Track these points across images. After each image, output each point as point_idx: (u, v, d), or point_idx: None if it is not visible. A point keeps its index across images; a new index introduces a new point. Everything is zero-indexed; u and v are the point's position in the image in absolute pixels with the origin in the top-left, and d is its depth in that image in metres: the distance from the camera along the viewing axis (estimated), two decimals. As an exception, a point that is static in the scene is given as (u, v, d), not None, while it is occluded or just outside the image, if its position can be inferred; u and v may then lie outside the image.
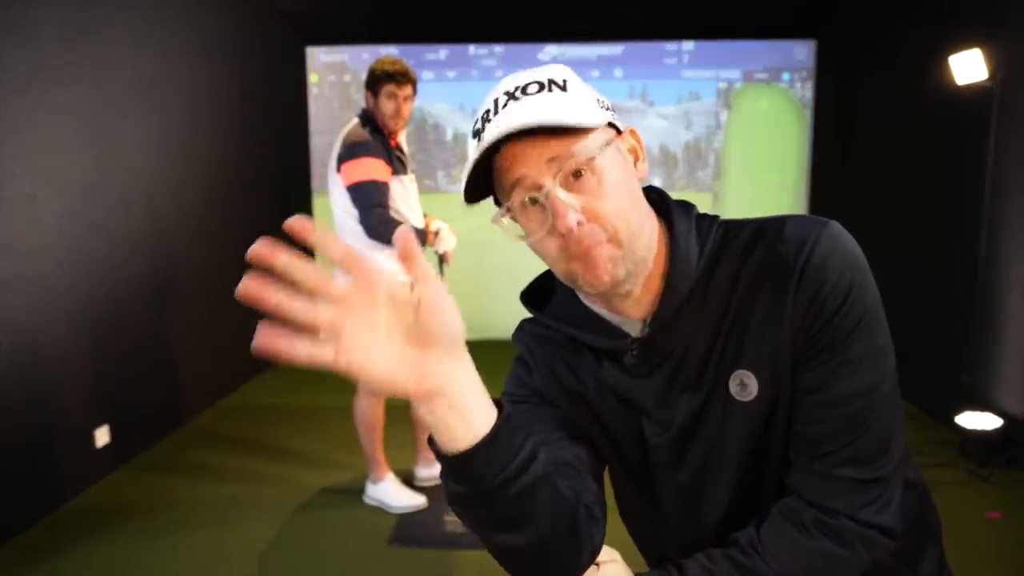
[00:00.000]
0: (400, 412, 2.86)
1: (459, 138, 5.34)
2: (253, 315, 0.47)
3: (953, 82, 3.14)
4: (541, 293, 0.85)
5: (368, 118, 2.57)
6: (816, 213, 0.82)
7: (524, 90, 0.70)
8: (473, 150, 0.71)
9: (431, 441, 0.61)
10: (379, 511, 2.68)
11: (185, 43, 3.67)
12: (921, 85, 3.62)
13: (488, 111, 0.71)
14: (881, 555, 0.75)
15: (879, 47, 4.28)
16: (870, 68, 4.37)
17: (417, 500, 2.69)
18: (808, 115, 5.16)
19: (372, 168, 2.47)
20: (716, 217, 0.79)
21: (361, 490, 2.77)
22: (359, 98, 4.37)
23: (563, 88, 0.70)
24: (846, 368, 0.69)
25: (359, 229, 2.46)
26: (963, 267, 3.25)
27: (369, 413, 2.69)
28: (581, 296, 0.81)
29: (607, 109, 0.74)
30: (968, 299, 3.20)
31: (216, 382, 4.05)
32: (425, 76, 5.16)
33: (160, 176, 3.41)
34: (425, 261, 0.53)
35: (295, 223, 0.47)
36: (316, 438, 3.44)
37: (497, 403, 0.61)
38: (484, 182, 0.73)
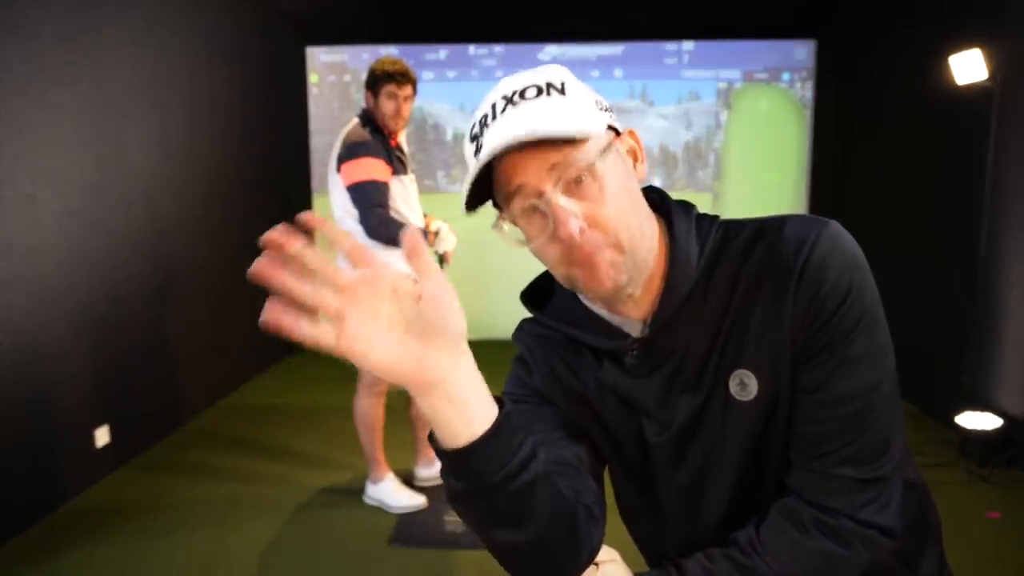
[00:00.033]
0: (400, 412, 2.86)
1: (459, 138, 5.34)
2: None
3: (953, 82, 3.14)
4: (541, 293, 0.85)
5: (368, 118, 2.57)
6: (816, 213, 0.82)
7: (522, 94, 0.69)
8: (471, 156, 0.71)
9: (431, 438, 0.61)
10: (379, 511, 2.68)
11: (185, 43, 3.68)
12: (921, 85, 3.62)
13: (486, 116, 0.70)
14: (881, 555, 0.75)
15: (879, 47, 4.28)
16: (870, 68, 4.38)
17: (417, 500, 2.69)
18: (808, 115, 5.16)
19: (372, 168, 2.47)
20: (716, 217, 0.79)
21: (361, 490, 2.77)
22: (359, 98, 4.37)
23: (561, 92, 0.70)
24: (845, 368, 0.69)
25: (359, 229, 2.46)
26: (963, 267, 3.25)
27: (369, 413, 2.69)
28: (581, 296, 0.81)
29: (606, 110, 0.73)
30: (968, 299, 3.20)
31: (216, 382, 4.05)
32: (425, 76, 5.17)
33: (160, 176, 3.41)
34: (430, 257, 0.54)
35: (306, 216, 0.50)
36: (316, 438, 3.44)
37: (498, 400, 0.61)
38: (484, 187, 0.72)
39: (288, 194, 5.05)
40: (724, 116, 5.22)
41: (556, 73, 0.71)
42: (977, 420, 2.97)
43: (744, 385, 0.73)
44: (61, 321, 2.70)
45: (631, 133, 0.76)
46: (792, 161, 5.23)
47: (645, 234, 0.72)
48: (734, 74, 5.17)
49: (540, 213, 0.68)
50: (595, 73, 5.21)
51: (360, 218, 2.46)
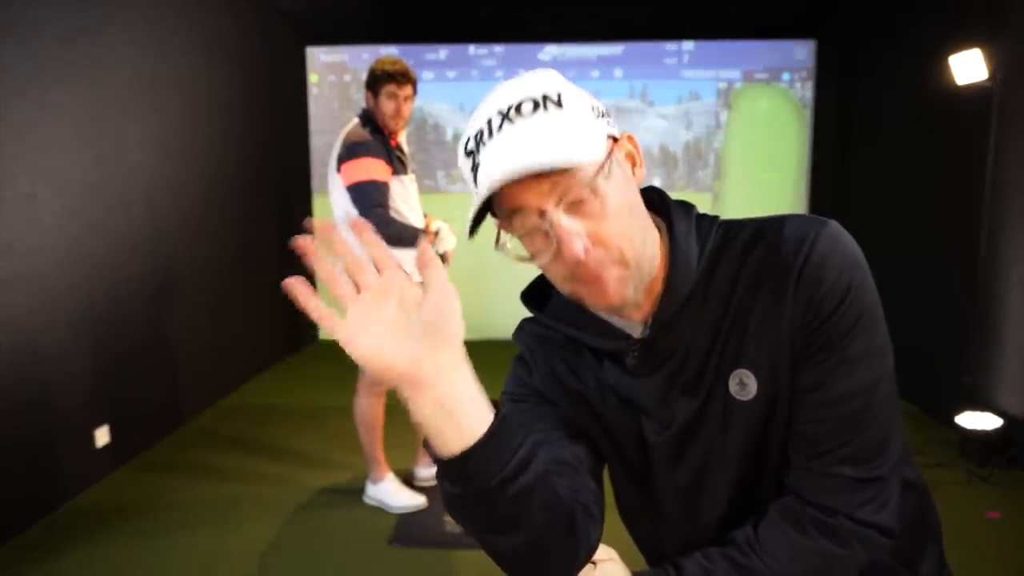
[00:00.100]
0: (400, 412, 2.85)
1: (459, 138, 5.33)
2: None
3: (953, 82, 3.14)
4: (541, 293, 0.85)
5: (368, 118, 2.57)
6: (816, 213, 0.82)
7: (518, 109, 0.67)
8: (467, 172, 0.70)
9: (427, 442, 0.61)
10: (379, 511, 2.68)
11: (185, 43, 3.68)
12: (921, 85, 3.62)
13: (481, 132, 0.69)
14: (881, 555, 0.75)
15: (879, 47, 4.28)
16: (870, 68, 4.38)
17: (417, 500, 2.69)
18: (808, 115, 5.17)
19: (372, 168, 2.47)
20: (716, 217, 0.79)
21: (361, 490, 2.77)
22: (359, 98, 4.37)
23: (559, 104, 0.68)
24: (844, 367, 0.69)
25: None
26: (963, 267, 3.25)
27: (369, 413, 2.69)
28: None
29: (603, 116, 0.72)
30: (968, 299, 3.21)
31: (216, 382, 4.05)
32: (425, 76, 5.17)
33: (160, 176, 3.41)
34: (440, 268, 0.58)
35: (316, 223, 0.55)
36: (316, 438, 3.44)
37: (496, 405, 0.61)
38: (483, 204, 0.71)
39: (288, 194, 5.06)
40: (724, 116, 5.22)
41: (551, 83, 0.69)
42: (977, 420, 2.97)
43: (744, 385, 0.73)
44: (61, 321, 2.70)
45: (630, 138, 0.75)
46: (792, 161, 5.23)
47: (647, 243, 0.72)
48: (734, 74, 5.17)
49: (543, 232, 0.68)
50: (595, 73, 5.21)
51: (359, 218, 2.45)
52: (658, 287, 0.75)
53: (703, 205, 0.95)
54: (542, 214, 0.67)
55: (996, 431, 2.91)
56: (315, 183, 5.37)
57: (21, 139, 2.50)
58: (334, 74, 5.31)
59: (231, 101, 4.19)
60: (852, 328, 0.69)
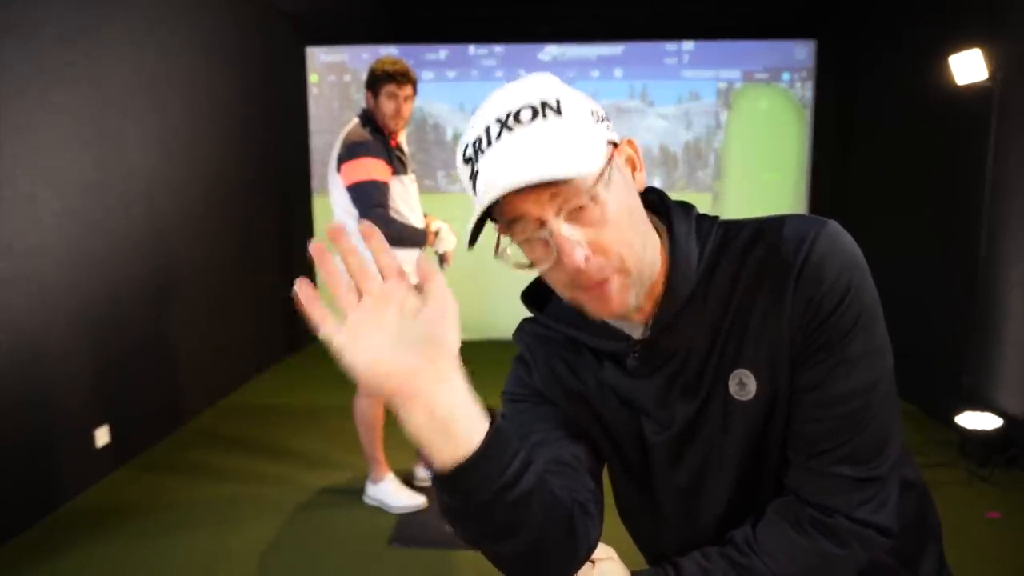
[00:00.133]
0: (400, 412, 2.85)
1: (459, 138, 5.33)
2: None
3: (953, 82, 3.14)
4: (541, 293, 0.85)
5: (368, 118, 2.57)
6: (816, 213, 0.82)
7: (517, 117, 0.66)
8: (466, 179, 0.70)
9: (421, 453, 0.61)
10: (379, 511, 2.68)
11: (185, 43, 3.68)
12: (921, 85, 3.62)
13: (480, 140, 0.68)
14: (880, 555, 0.75)
15: (879, 47, 4.28)
16: (870, 68, 4.38)
17: (417, 500, 2.69)
18: (808, 115, 5.16)
19: (372, 168, 2.47)
20: (716, 218, 0.79)
21: (361, 490, 2.77)
22: (359, 98, 4.38)
23: (557, 111, 0.67)
24: (843, 367, 0.69)
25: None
26: (963, 267, 3.25)
27: (369, 413, 2.69)
28: None
29: (602, 120, 0.71)
30: (968, 299, 3.20)
31: (216, 382, 4.05)
32: (425, 76, 5.16)
33: (160, 176, 3.41)
34: (441, 277, 0.57)
35: (330, 230, 0.57)
36: (316, 438, 3.44)
37: (492, 414, 0.61)
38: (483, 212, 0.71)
39: (288, 194, 5.06)
40: (724, 116, 5.22)
41: (549, 88, 0.69)
42: (977, 420, 2.97)
43: (743, 385, 0.73)
44: (61, 321, 2.70)
45: (629, 142, 0.74)
46: (792, 161, 5.23)
47: (648, 247, 0.71)
48: (734, 74, 5.17)
49: (542, 241, 0.67)
50: (595, 73, 5.21)
51: (360, 218, 2.46)
52: (658, 288, 0.75)
53: (703, 205, 0.95)
54: (542, 223, 0.66)
55: (996, 431, 2.91)
56: (315, 183, 5.37)
57: (21, 139, 2.50)
58: (334, 74, 5.31)
59: (231, 101, 4.19)
60: (851, 328, 0.69)
